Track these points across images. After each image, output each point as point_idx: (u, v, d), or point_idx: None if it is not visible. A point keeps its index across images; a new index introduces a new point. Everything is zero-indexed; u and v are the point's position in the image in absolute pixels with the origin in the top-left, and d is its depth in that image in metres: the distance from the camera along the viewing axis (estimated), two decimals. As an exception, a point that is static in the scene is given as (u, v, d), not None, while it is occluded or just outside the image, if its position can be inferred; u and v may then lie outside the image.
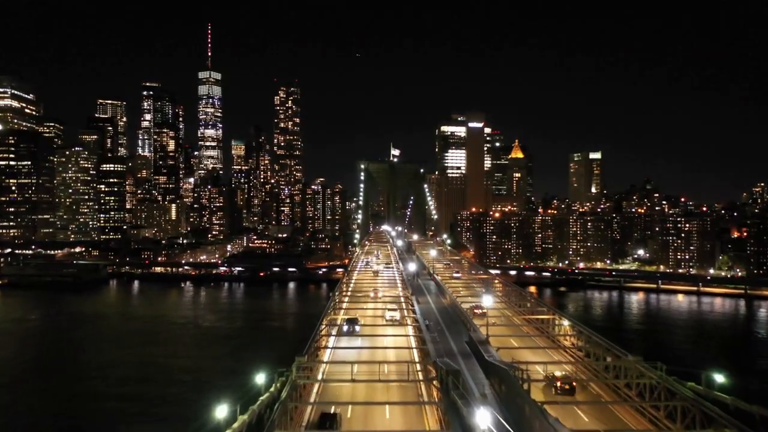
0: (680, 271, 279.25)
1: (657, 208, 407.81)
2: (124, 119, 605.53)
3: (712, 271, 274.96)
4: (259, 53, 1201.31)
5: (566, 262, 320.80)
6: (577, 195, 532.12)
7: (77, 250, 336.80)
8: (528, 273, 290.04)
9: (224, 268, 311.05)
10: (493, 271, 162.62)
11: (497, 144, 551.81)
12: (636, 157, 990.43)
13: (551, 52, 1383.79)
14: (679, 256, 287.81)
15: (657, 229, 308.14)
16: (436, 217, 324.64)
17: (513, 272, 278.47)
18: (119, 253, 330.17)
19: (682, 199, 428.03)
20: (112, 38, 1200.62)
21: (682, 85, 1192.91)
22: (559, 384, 38.40)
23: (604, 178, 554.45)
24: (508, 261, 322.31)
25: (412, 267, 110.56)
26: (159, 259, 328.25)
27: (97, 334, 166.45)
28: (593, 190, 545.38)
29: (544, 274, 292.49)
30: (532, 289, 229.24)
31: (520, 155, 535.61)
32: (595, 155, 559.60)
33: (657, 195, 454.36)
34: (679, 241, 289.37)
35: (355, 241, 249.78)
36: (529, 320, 63.38)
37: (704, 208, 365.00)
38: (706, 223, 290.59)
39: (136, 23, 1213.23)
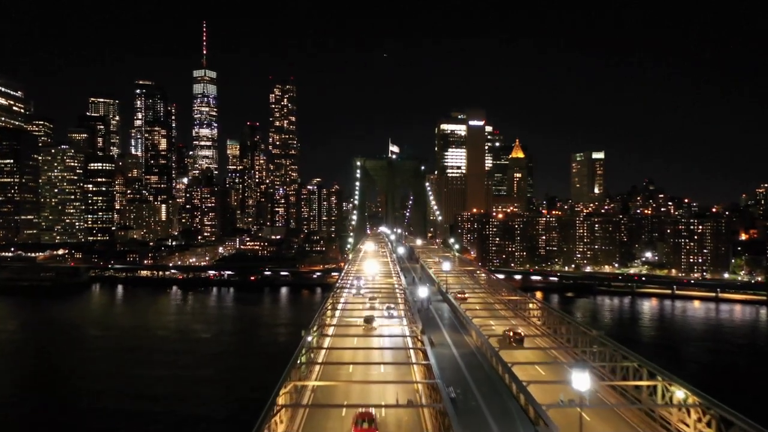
0: (695, 275, 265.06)
1: (663, 210, 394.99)
2: (117, 118, 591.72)
3: (726, 275, 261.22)
4: (255, 51, 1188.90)
5: (572, 265, 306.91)
6: (579, 196, 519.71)
7: (60, 252, 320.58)
8: (534, 277, 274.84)
9: (213, 272, 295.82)
10: (499, 275, 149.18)
11: (497, 144, 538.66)
12: (634, 158, 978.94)
13: (552, 51, 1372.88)
14: (691, 260, 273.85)
15: (668, 231, 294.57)
16: (440, 218, 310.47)
17: (518, 276, 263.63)
18: (104, 255, 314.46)
19: (686, 201, 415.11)
20: (108, 36, 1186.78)
21: (682, 86, 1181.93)
22: None
23: (606, 179, 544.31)
24: (512, 264, 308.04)
25: (423, 292, 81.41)
26: (146, 261, 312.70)
27: (66, 346, 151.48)
28: (596, 190, 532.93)
29: (551, 278, 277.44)
30: (539, 294, 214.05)
31: (520, 155, 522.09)
32: (599, 155, 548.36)
33: (662, 196, 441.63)
34: (691, 244, 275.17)
35: (348, 246, 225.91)
36: (619, 389, 40.02)
37: (713, 210, 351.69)
38: (720, 225, 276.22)
39: (131, 21, 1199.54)
